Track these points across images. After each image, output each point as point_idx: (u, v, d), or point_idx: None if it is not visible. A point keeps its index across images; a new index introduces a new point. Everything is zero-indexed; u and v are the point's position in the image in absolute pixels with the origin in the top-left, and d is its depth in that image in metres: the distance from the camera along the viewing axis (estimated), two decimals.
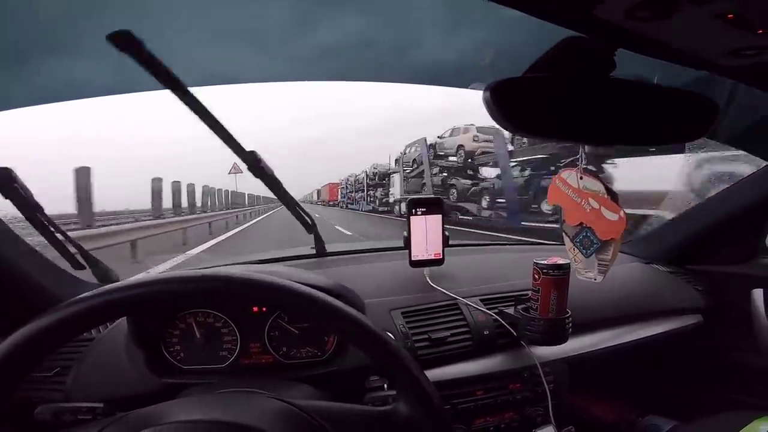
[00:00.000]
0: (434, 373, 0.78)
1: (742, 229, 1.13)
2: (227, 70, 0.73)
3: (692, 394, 1.19)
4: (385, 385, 0.65)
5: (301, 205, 0.97)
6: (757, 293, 1.00)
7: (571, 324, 0.78)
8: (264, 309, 0.78)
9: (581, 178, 0.61)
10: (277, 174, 0.86)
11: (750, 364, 1.07)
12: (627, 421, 1.16)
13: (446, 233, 0.94)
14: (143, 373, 0.70)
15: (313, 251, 1.10)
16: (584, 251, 0.63)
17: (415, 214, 0.92)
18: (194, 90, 0.65)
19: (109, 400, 0.54)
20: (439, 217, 0.93)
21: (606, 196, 0.59)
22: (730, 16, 0.35)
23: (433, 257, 0.94)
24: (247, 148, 0.80)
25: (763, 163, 1.04)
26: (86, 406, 0.53)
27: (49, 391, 0.68)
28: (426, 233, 0.92)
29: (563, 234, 0.66)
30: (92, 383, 0.69)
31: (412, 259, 0.93)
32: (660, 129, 0.52)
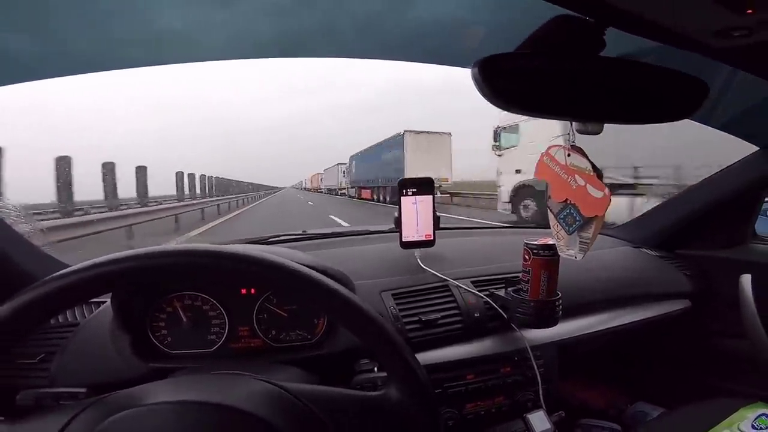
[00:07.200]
0: (424, 357, 0.77)
1: (732, 214, 1.14)
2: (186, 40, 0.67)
3: (680, 381, 1.20)
4: (375, 368, 0.65)
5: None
6: (746, 279, 1.00)
7: (561, 306, 0.78)
8: (252, 291, 0.77)
9: (569, 155, 0.60)
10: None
11: (737, 351, 1.08)
12: (615, 407, 1.17)
13: (437, 214, 0.93)
14: (129, 358, 0.69)
15: (303, 234, 1.10)
16: (567, 228, 0.63)
17: (406, 195, 0.91)
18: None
19: (94, 385, 0.53)
20: (429, 197, 0.92)
21: (592, 173, 0.58)
22: None
23: (424, 238, 0.93)
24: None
25: (754, 149, 1.05)
26: (68, 392, 0.53)
27: (34, 378, 0.67)
28: (417, 214, 0.91)
29: (548, 211, 0.66)
30: (77, 369, 0.68)
31: (403, 240, 0.92)
32: (648, 107, 0.53)
